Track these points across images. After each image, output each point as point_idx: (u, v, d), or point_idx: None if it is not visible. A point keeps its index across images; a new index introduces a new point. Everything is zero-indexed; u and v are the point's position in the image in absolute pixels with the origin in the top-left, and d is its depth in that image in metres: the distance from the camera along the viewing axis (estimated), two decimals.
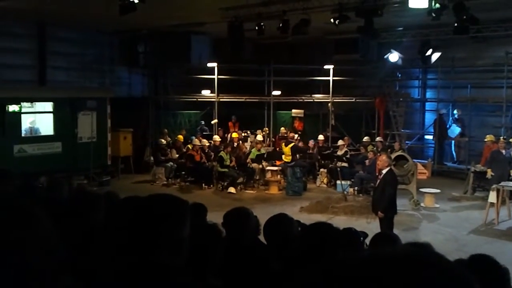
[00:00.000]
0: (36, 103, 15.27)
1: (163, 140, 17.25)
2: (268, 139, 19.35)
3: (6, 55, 15.77)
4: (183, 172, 16.12)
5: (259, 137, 17.33)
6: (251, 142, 18.13)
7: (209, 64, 18.66)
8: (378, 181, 9.48)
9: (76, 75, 17.85)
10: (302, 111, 20.46)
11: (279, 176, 15.57)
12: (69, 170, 14.87)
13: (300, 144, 17.19)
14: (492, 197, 11.56)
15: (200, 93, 19.64)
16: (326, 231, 3.45)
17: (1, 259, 1.36)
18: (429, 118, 19.64)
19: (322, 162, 16.86)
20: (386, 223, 9.00)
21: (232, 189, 14.90)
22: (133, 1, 10.81)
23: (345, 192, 14.31)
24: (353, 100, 19.58)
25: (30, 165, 13.81)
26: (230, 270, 3.30)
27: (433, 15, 11.53)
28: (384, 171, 9.24)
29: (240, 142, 17.52)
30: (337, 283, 0.85)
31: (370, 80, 19.64)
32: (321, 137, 17.85)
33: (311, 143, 17.53)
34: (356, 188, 14.72)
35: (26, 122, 14.86)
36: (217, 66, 18.70)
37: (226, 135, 18.82)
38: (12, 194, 5.53)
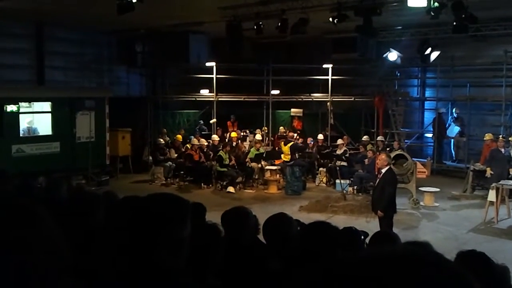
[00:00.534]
0: (34, 103, 15.26)
1: (161, 140, 17.24)
2: (267, 138, 19.36)
3: (5, 55, 15.75)
4: (182, 172, 16.11)
5: (258, 137, 17.33)
6: (250, 141, 18.14)
7: (208, 64, 18.65)
8: (378, 180, 9.48)
9: (74, 75, 17.84)
10: (301, 110, 20.46)
11: (278, 176, 15.58)
12: (68, 170, 14.85)
13: (300, 140, 17.18)
14: (492, 195, 11.57)
15: (199, 92, 19.63)
16: (325, 230, 3.44)
17: (4, 258, 1.34)
18: (428, 117, 19.65)
19: (321, 161, 16.87)
20: (386, 222, 8.99)
21: (231, 189, 14.90)
22: (131, 1, 10.80)
23: (345, 191, 14.31)
24: (352, 99, 19.58)
25: (29, 165, 13.80)
26: (230, 269, 3.29)
27: (432, 13, 11.53)
28: (383, 170, 9.24)
29: (239, 141, 17.51)
30: (337, 282, 0.85)
31: (369, 79, 19.64)
32: (320, 136, 17.86)
33: (309, 140, 17.53)
34: (355, 187, 14.72)
35: (24, 122, 14.85)
36: (216, 65, 18.69)
37: (225, 134, 18.82)
38: (12, 193, 5.52)
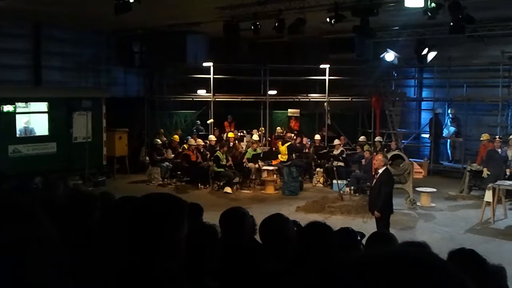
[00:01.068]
0: (31, 103, 15.23)
1: (158, 140, 17.23)
2: (264, 138, 19.35)
3: (1, 55, 15.70)
4: (179, 172, 16.10)
5: (255, 137, 17.33)
6: (247, 141, 18.12)
7: (205, 64, 18.64)
8: (375, 180, 9.49)
9: (71, 75, 17.79)
10: (298, 110, 20.46)
11: (275, 176, 15.58)
12: (64, 171, 14.82)
13: (298, 140, 17.18)
14: (488, 196, 11.58)
15: (196, 92, 19.62)
16: (322, 231, 3.44)
17: (1, 258, 1.34)
18: (425, 117, 19.67)
19: (318, 161, 16.87)
20: (383, 222, 9.00)
21: (228, 189, 14.89)
22: (128, 1, 10.79)
23: (342, 192, 14.31)
24: (349, 99, 19.59)
25: (25, 165, 13.77)
26: (226, 270, 3.28)
27: (429, 14, 11.56)
28: (380, 171, 9.24)
29: (236, 141, 17.50)
30: (333, 283, 0.84)
31: (366, 79, 19.66)
32: (317, 136, 17.86)
33: (305, 140, 17.55)
34: (352, 187, 14.73)
35: (21, 122, 14.82)
36: (213, 65, 18.69)
37: (222, 134, 18.81)
38: (10, 193, 5.51)
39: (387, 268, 0.83)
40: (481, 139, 15.05)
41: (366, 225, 10.01)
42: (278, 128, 19.47)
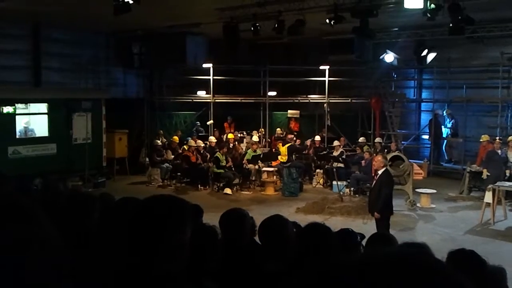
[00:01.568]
0: (30, 104, 15.23)
1: (158, 141, 17.22)
2: (264, 139, 19.35)
3: (1, 56, 15.69)
4: (179, 173, 16.09)
5: (255, 138, 17.33)
6: (247, 143, 18.12)
7: (205, 65, 18.64)
8: (374, 181, 9.49)
9: (71, 76, 17.78)
10: (298, 111, 20.46)
11: (275, 177, 15.58)
12: (64, 172, 14.82)
13: (298, 141, 17.19)
14: (488, 197, 11.58)
15: (196, 94, 19.63)
16: (321, 232, 3.44)
17: (2, 259, 1.33)
18: (425, 118, 19.68)
19: (318, 162, 16.87)
20: (383, 223, 9.00)
21: (228, 190, 14.88)
22: (128, 2, 10.78)
23: (341, 193, 14.31)
24: (349, 100, 19.60)
25: (25, 166, 13.76)
26: (226, 271, 3.28)
27: (429, 15, 11.56)
28: (380, 172, 9.24)
29: (236, 143, 17.51)
30: (333, 285, 0.84)
31: (366, 80, 19.67)
32: (317, 137, 17.86)
33: (309, 142, 17.56)
34: (352, 188, 14.72)
35: (20, 124, 14.82)
36: (213, 66, 18.69)
37: (221, 136, 18.81)
38: (11, 194, 5.49)
39: (386, 270, 0.83)
40: (481, 140, 15.05)
41: (366, 226, 10.01)
42: (278, 129, 19.46)
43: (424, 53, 16.98)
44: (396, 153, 14.09)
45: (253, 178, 15.97)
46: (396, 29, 16.89)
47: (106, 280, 2.44)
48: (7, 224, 1.41)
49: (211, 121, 19.11)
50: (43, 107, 15.43)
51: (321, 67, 19.10)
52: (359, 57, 17.40)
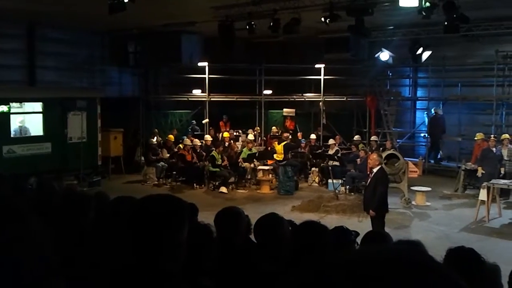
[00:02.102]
0: (25, 103, 15.17)
1: (153, 140, 17.19)
2: (259, 138, 19.35)
3: None
4: (174, 172, 16.07)
5: (251, 137, 17.33)
6: (242, 141, 18.12)
7: (200, 64, 18.61)
8: (370, 179, 9.50)
9: (66, 75, 17.74)
10: (293, 110, 20.46)
11: (270, 176, 15.58)
12: (59, 171, 14.78)
13: (289, 139, 17.19)
14: (483, 195, 11.62)
15: (191, 92, 19.60)
16: (317, 230, 3.44)
17: None
18: (420, 116, 19.74)
19: (314, 161, 16.89)
20: (378, 221, 9.02)
21: (223, 189, 14.88)
22: (123, 1, 10.77)
23: (337, 191, 14.33)
24: (344, 99, 19.62)
25: (20, 166, 13.71)
26: (221, 270, 3.28)
27: (424, 13, 11.59)
28: (375, 170, 9.26)
29: (232, 141, 17.50)
30: (326, 283, 0.84)
31: (361, 79, 19.69)
32: (313, 136, 17.88)
33: (300, 136, 17.58)
34: (347, 186, 14.75)
35: (15, 123, 14.76)
36: (208, 65, 18.66)
37: (217, 134, 18.80)
38: (5, 194, 5.49)
39: (379, 268, 0.83)
40: (476, 138, 15.09)
41: (362, 224, 10.03)
42: (274, 127, 19.46)
43: (419, 51, 17.01)
44: (391, 151, 14.11)
45: (249, 177, 15.97)
46: (391, 27, 16.92)
47: (102, 279, 2.44)
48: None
49: (207, 120, 19.09)
50: (38, 106, 15.37)
51: (317, 66, 19.10)
52: (355, 56, 17.45)
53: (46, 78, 17.07)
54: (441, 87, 18.40)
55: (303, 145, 17.53)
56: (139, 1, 10.87)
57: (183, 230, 2.12)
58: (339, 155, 16.17)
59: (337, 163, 15.66)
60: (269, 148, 17.11)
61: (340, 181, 14.93)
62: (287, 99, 20.18)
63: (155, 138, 17.63)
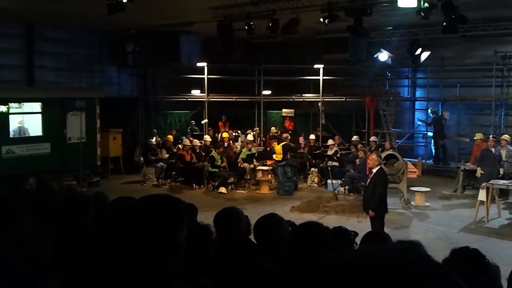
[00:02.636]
0: (24, 103, 15.16)
1: (153, 140, 17.18)
2: (258, 138, 19.35)
3: None
4: (174, 172, 16.07)
5: (250, 137, 17.32)
6: (241, 142, 18.12)
7: (199, 64, 18.61)
8: (369, 180, 9.50)
9: (65, 75, 17.73)
10: (292, 110, 20.47)
11: (270, 176, 15.58)
12: (58, 171, 14.78)
13: (288, 139, 17.18)
14: (482, 195, 11.63)
15: (190, 93, 19.59)
16: (317, 230, 3.44)
17: None
18: (419, 117, 19.74)
19: (313, 161, 16.89)
20: (377, 221, 9.02)
21: (223, 189, 14.88)
22: (122, 1, 10.76)
23: (336, 191, 14.33)
24: (343, 99, 19.63)
25: (19, 166, 13.71)
26: (221, 270, 3.28)
27: (422, 14, 11.60)
28: (374, 170, 9.26)
29: (231, 142, 17.49)
30: (326, 283, 0.84)
31: (360, 79, 19.70)
32: (312, 136, 17.88)
33: (301, 140, 17.58)
34: (347, 187, 14.75)
35: (14, 123, 14.75)
36: (207, 65, 18.66)
37: (216, 135, 18.79)
38: (4, 195, 5.48)
39: (379, 268, 0.83)
40: (475, 138, 15.09)
41: (361, 225, 10.03)
42: (273, 128, 19.46)
43: (418, 52, 17.02)
44: (390, 152, 14.12)
45: (248, 177, 15.97)
46: (390, 28, 16.93)
47: (101, 279, 2.44)
48: None
49: (206, 120, 19.09)
50: (37, 106, 15.36)
51: (316, 66, 19.11)
52: (353, 56, 17.42)
53: (45, 78, 17.06)
54: (440, 88, 18.41)
55: (302, 145, 17.53)
56: (138, 1, 10.86)
57: (182, 230, 2.11)
58: (338, 155, 16.17)
59: (336, 164, 15.67)
60: (268, 149, 17.11)
61: (339, 181, 14.93)
62: (286, 100, 20.19)
63: (154, 138, 17.63)
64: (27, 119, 15.19)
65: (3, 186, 6.08)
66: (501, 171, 13.58)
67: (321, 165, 16.08)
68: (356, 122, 20.09)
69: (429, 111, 18.26)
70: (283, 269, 3.12)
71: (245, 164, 15.95)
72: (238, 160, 16.04)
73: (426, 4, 11.36)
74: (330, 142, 16.85)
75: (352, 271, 0.83)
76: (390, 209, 10.02)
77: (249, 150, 16.23)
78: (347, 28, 13.17)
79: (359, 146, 16.63)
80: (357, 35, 14.19)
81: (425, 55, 17.12)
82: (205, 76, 18.81)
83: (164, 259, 2.03)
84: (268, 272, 3.16)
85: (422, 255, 0.90)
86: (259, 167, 15.84)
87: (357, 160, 15.02)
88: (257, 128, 19.62)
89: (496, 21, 15.52)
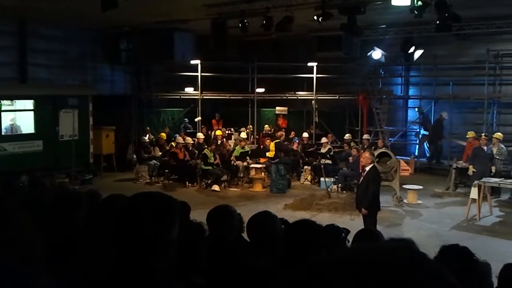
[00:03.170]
0: (16, 101, 15.08)
1: (145, 138, 17.14)
2: (252, 136, 19.35)
3: None
4: (167, 170, 16.04)
5: (243, 135, 17.32)
6: (235, 139, 18.11)
7: (193, 61, 18.58)
8: (362, 178, 9.53)
9: (58, 72, 17.64)
10: (286, 108, 20.49)
11: (263, 174, 15.59)
12: (51, 169, 14.69)
13: (282, 137, 17.20)
14: (474, 193, 11.68)
15: (184, 90, 19.56)
16: (309, 228, 3.45)
17: None
18: (412, 115, 19.83)
19: (306, 159, 16.92)
20: (370, 219, 9.04)
21: (216, 187, 14.87)
22: None
23: (329, 189, 14.35)
24: (337, 97, 19.66)
25: (11, 163, 13.62)
26: (214, 268, 3.28)
27: (416, 12, 11.65)
28: (367, 168, 9.29)
29: (224, 139, 17.49)
30: (319, 282, 0.85)
31: (354, 77, 19.75)
32: (305, 134, 17.90)
33: (293, 133, 17.63)
34: (339, 185, 14.77)
35: (6, 120, 14.66)
36: (201, 63, 18.64)
37: (209, 132, 18.77)
38: None
39: (372, 266, 0.83)
40: (467, 136, 15.17)
41: (354, 222, 10.05)
42: (266, 126, 19.47)
43: (411, 50, 17.08)
44: (383, 150, 14.16)
45: (241, 175, 15.97)
46: (384, 26, 16.97)
47: (93, 278, 2.43)
48: None
49: (199, 118, 19.07)
50: (29, 103, 15.28)
51: (309, 64, 19.13)
52: (347, 54, 17.45)
53: (38, 75, 16.97)
54: (433, 86, 18.48)
55: (295, 143, 17.54)
56: None
57: (173, 227, 2.10)
58: (331, 153, 16.20)
59: (329, 162, 15.70)
60: (261, 146, 17.12)
61: (332, 179, 14.95)
62: (279, 97, 20.19)
63: (147, 136, 17.59)
64: (19, 116, 15.11)
65: None
66: (493, 169, 13.66)
67: (314, 163, 16.11)
68: (350, 120, 20.13)
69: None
70: (276, 267, 3.13)
71: (238, 162, 15.95)
72: (231, 158, 16.04)
73: (420, 3, 11.41)
74: (323, 140, 16.87)
75: (345, 270, 0.84)
76: (382, 207, 10.05)
77: (242, 148, 16.23)
78: (341, 26, 13.20)
79: (352, 144, 16.67)
80: (351, 33, 14.22)
81: (418, 53, 17.18)
82: (199, 73, 18.78)
83: (155, 257, 2.02)
84: (261, 270, 3.16)
85: (416, 253, 0.90)
86: (252, 165, 15.84)
87: (350, 158, 15.05)
88: (251, 126, 19.62)
89: (489, 20, 15.59)
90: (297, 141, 17.75)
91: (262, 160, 16.13)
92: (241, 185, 15.71)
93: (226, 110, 20.03)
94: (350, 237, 4.44)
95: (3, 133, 14.50)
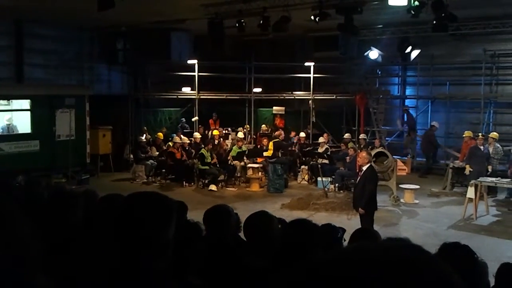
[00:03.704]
0: (13, 100, 15.04)
1: (142, 138, 17.12)
2: (249, 136, 19.34)
3: None
4: (164, 170, 16.03)
5: (240, 135, 17.31)
6: (232, 139, 18.11)
7: (190, 61, 18.57)
8: (359, 177, 9.54)
9: (54, 72, 17.59)
10: (283, 108, 20.49)
11: (260, 173, 15.59)
12: (47, 169, 14.67)
13: (281, 137, 17.20)
14: (471, 192, 11.71)
15: (181, 90, 19.54)
16: (306, 228, 3.45)
17: None
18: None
19: (303, 159, 16.92)
20: (367, 219, 9.06)
21: (213, 187, 14.87)
22: None
23: (326, 189, 14.36)
24: (334, 97, 19.66)
25: (7, 164, 13.59)
26: (210, 268, 3.28)
27: (412, 12, 11.66)
28: (364, 168, 9.30)
29: (221, 139, 17.48)
30: (320, 282, 0.84)
31: (351, 77, 19.75)
32: (302, 134, 17.91)
33: (293, 133, 17.64)
34: (337, 184, 14.78)
35: (2, 120, 14.63)
36: (198, 63, 18.62)
37: (206, 132, 18.76)
38: None
39: (372, 265, 0.83)
40: (464, 136, 15.19)
41: (351, 222, 10.07)
42: (263, 125, 19.47)
43: (408, 50, 17.09)
44: (380, 149, 14.17)
45: (238, 175, 15.97)
46: (381, 26, 16.99)
47: (90, 278, 2.43)
48: None
49: (196, 118, 19.05)
50: (25, 103, 15.25)
51: (306, 64, 19.14)
52: (344, 54, 17.44)
53: (34, 75, 16.92)
54: (430, 86, 18.52)
55: (295, 138, 17.57)
56: None
57: (170, 227, 2.10)
58: (328, 153, 16.22)
59: (326, 161, 15.71)
60: (258, 146, 17.12)
61: (329, 179, 14.96)
62: (276, 97, 20.19)
63: (144, 135, 17.57)
64: (16, 116, 15.07)
65: None
66: (490, 168, 13.69)
67: (312, 162, 16.11)
68: (347, 120, 20.14)
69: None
70: (273, 266, 3.13)
71: (235, 162, 15.95)
72: (228, 158, 16.04)
73: (416, 3, 11.43)
74: (321, 139, 16.87)
75: (344, 270, 0.83)
76: (379, 206, 10.07)
77: (240, 147, 16.23)
78: (338, 26, 13.20)
79: (350, 144, 16.68)
80: (348, 33, 14.22)
81: (415, 53, 17.19)
82: (196, 73, 18.76)
83: (152, 257, 2.02)
84: (258, 270, 3.16)
85: (417, 251, 0.89)
86: (249, 165, 15.84)
87: (347, 158, 15.07)
88: (248, 126, 19.62)
89: (485, 20, 15.61)
90: (294, 141, 17.77)
91: (259, 160, 16.12)
92: (238, 184, 15.71)
93: (223, 110, 20.02)
94: (346, 237, 4.44)
95: None
